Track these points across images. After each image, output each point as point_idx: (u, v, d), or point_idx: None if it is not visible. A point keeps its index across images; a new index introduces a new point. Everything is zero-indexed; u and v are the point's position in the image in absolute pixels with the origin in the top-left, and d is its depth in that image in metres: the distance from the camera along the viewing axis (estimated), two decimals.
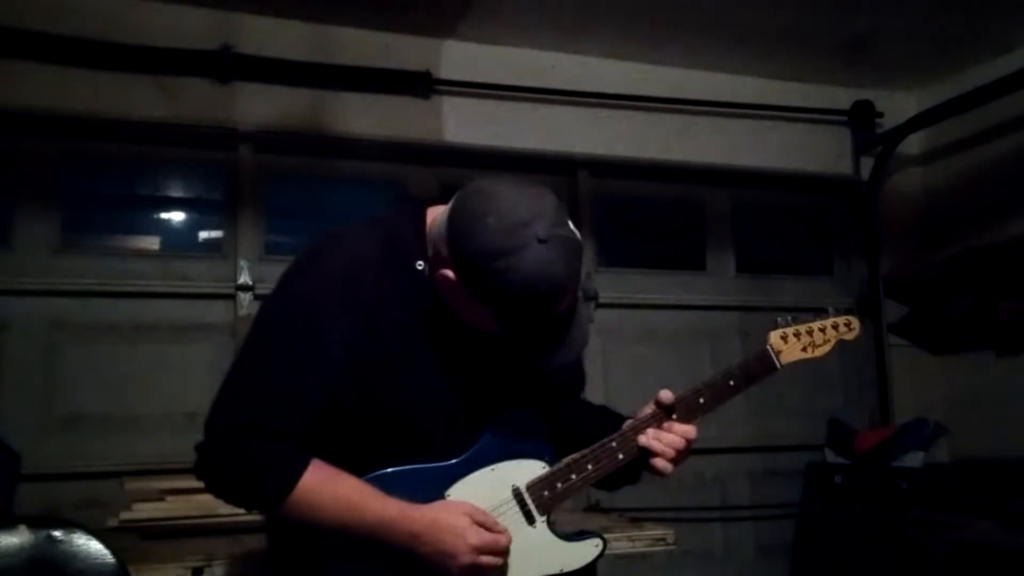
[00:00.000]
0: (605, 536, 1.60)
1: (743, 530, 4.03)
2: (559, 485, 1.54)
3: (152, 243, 3.52)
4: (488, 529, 1.46)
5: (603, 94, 3.84)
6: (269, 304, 1.52)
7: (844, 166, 4.30)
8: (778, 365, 1.67)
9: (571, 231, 1.39)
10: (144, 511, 2.42)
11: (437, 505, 1.46)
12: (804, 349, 1.70)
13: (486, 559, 1.44)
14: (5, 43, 3.05)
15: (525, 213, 1.35)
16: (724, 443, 4.03)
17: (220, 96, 3.35)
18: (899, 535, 3.50)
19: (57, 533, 1.50)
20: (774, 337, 1.68)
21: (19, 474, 2.71)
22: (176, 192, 3.63)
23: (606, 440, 1.57)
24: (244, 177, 3.43)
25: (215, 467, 1.43)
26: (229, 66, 3.32)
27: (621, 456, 1.57)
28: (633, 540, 2.26)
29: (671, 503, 3.84)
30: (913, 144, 4.33)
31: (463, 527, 1.43)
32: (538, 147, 3.76)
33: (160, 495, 2.46)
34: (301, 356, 1.43)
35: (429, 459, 1.49)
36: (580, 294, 1.47)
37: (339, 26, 3.50)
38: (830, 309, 1.76)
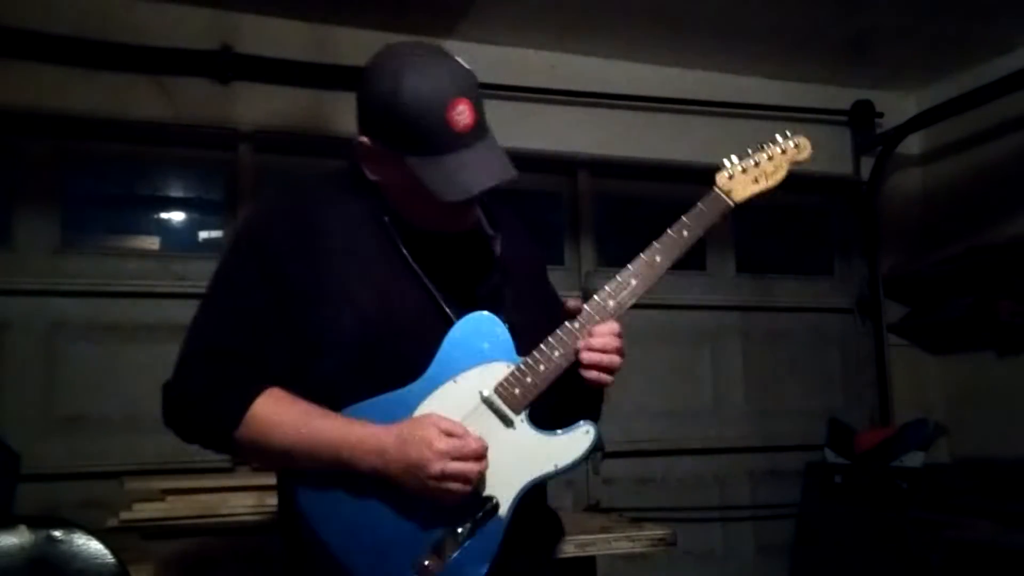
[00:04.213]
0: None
1: (743, 530, 4.03)
2: (529, 379, 1.46)
3: (152, 243, 3.52)
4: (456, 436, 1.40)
5: (603, 94, 3.84)
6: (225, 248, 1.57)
7: (844, 166, 4.30)
8: (731, 203, 1.61)
9: (458, 61, 1.45)
10: (144, 511, 2.41)
11: (403, 421, 1.42)
12: (756, 181, 1.64)
13: (456, 465, 1.36)
14: (5, 43, 3.05)
15: (406, 46, 1.46)
16: (724, 443, 4.03)
17: (220, 96, 3.35)
18: (899, 535, 3.50)
19: (57, 533, 1.50)
20: (721, 178, 1.62)
21: (19, 474, 2.71)
22: (176, 192, 3.63)
23: (566, 324, 1.49)
24: (244, 177, 3.43)
25: (174, 398, 1.46)
26: (229, 66, 3.31)
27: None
28: (633, 540, 2.25)
29: (671, 503, 3.85)
30: (913, 144, 4.33)
31: (429, 436, 1.37)
32: (538, 147, 3.76)
33: (160, 495, 2.46)
34: (248, 279, 1.47)
35: (398, 385, 1.45)
36: (490, 128, 1.46)
37: (339, 26, 3.50)
38: (777, 136, 1.70)
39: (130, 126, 3.27)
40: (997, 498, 3.45)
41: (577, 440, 1.46)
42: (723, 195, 1.61)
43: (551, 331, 1.49)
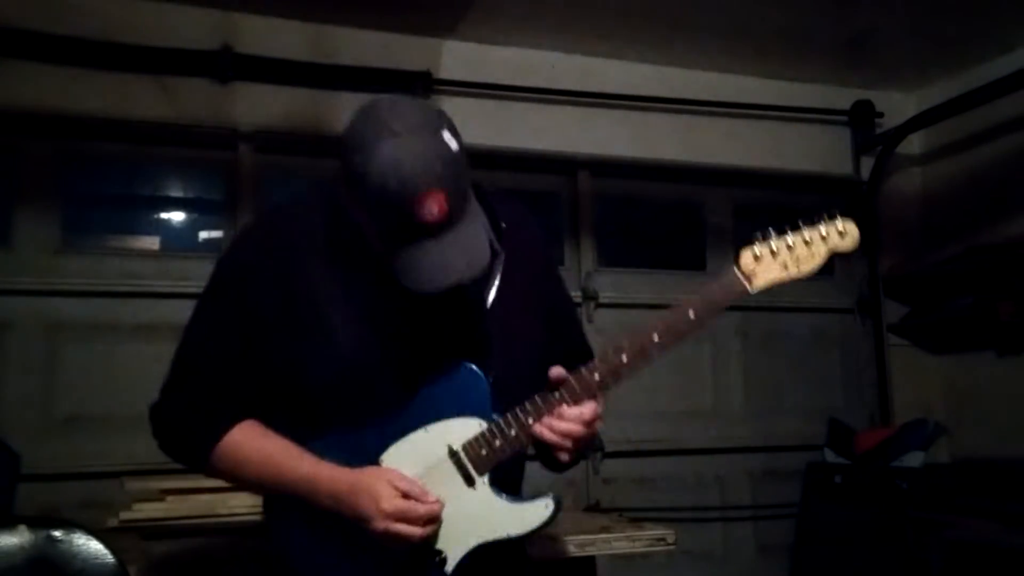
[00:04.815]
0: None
1: (743, 530, 4.03)
2: (497, 442, 1.42)
3: (152, 243, 3.52)
4: (411, 497, 1.38)
5: (603, 94, 3.84)
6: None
7: (844, 166, 4.29)
8: (750, 290, 1.44)
9: (440, 138, 1.30)
10: (144, 511, 2.41)
11: (364, 469, 1.41)
12: (785, 267, 1.45)
13: (398, 527, 1.35)
14: (5, 43, 3.05)
15: (389, 114, 1.31)
16: (724, 443, 4.03)
17: (220, 96, 3.35)
18: (899, 535, 3.50)
19: (57, 533, 1.50)
20: (745, 258, 1.45)
21: (19, 474, 2.71)
22: (176, 192, 3.63)
23: (546, 392, 1.43)
24: (244, 177, 3.42)
25: (156, 423, 1.51)
26: (229, 66, 3.31)
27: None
28: (633, 540, 2.26)
29: (671, 503, 3.85)
30: (913, 144, 4.33)
31: (379, 492, 1.36)
32: (538, 147, 3.76)
33: (160, 495, 2.46)
34: (226, 311, 1.49)
35: (369, 423, 1.44)
36: (467, 209, 1.35)
37: (339, 26, 3.50)
38: (824, 216, 1.45)
39: (130, 126, 3.27)
40: (997, 498, 3.45)
41: (535, 512, 1.43)
42: (742, 278, 1.44)
43: (537, 384, 1.44)
